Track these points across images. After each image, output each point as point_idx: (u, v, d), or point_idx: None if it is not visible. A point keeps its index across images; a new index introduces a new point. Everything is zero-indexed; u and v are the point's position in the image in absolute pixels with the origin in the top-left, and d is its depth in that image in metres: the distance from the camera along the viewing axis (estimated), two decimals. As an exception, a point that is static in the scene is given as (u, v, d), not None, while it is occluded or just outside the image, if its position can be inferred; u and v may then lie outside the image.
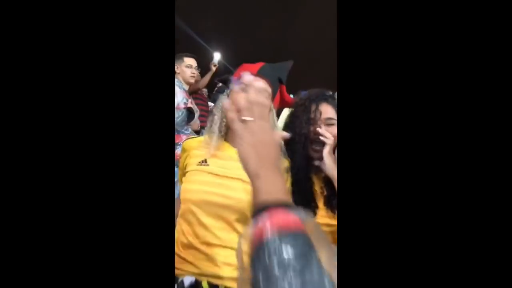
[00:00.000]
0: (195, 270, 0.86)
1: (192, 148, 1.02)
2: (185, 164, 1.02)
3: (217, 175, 0.93)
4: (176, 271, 0.87)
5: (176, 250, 0.91)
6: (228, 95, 1.01)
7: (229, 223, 0.89)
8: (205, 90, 3.49)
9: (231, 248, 0.87)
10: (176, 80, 2.52)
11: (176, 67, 2.58)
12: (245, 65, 1.01)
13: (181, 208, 0.94)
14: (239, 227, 0.89)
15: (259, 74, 0.97)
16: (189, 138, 1.08)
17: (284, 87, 1.04)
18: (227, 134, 1.01)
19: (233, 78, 1.00)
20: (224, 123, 1.00)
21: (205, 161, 0.97)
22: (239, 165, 0.89)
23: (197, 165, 0.96)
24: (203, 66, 3.32)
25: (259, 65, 0.99)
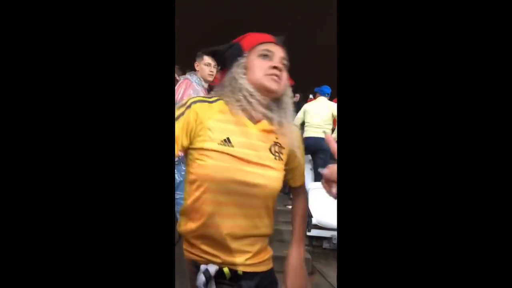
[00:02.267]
0: (217, 260, 0.84)
1: (207, 118, 0.84)
2: (196, 133, 0.84)
3: (242, 159, 0.82)
4: (199, 259, 0.85)
5: (190, 238, 0.86)
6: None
7: (254, 209, 0.85)
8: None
9: (249, 235, 0.85)
10: (195, 77, 2.60)
11: (196, 64, 2.65)
12: (251, 34, 0.92)
13: (198, 192, 0.83)
14: (263, 212, 0.87)
15: (278, 42, 0.90)
16: (198, 101, 0.87)
17: None
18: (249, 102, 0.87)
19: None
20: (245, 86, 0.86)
21: (229, 140, 0.83)
22: (266, 146, 0.90)
23: (219, 144, 0.82)
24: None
25: (266, 35, 0.92)
